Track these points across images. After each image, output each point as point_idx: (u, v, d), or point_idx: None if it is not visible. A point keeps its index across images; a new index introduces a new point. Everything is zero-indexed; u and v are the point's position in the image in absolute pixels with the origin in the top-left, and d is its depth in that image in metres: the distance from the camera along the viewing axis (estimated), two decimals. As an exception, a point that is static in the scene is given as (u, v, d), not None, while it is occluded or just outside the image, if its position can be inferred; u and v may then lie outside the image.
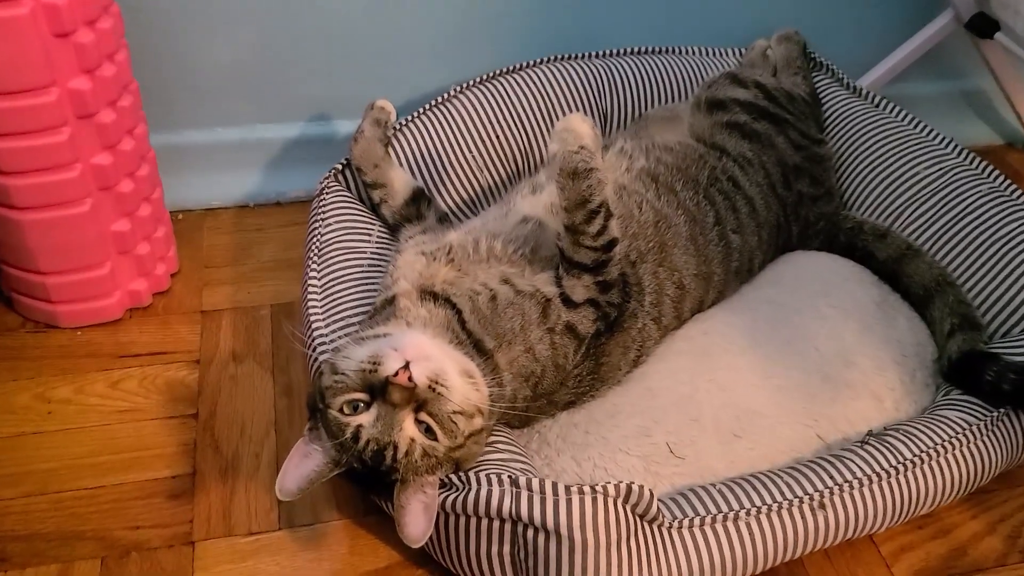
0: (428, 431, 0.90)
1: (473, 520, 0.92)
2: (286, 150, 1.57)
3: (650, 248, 1.13)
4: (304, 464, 0.93)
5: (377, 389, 0.90)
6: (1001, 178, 1.29)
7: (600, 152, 1.02)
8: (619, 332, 1.08)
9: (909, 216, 1.32)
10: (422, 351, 0.92)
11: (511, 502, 0.89)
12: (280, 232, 1.52)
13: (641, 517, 0.91)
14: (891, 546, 1.07)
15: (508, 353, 1.00)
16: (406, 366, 0.89)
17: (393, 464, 0.89)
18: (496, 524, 0.92)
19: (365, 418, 0.90)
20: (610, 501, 0.89)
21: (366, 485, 0.98)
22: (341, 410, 0.91)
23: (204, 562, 1.03)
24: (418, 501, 0.91)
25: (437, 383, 0.90)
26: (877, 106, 1.44)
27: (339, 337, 1.09)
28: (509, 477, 0.90)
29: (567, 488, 0.88)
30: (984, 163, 1.31)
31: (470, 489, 0.91)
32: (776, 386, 1.12)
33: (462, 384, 0.93)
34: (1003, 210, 1.24)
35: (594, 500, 0.88)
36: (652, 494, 0.90)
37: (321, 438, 0.93)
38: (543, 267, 1.07)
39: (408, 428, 0.90)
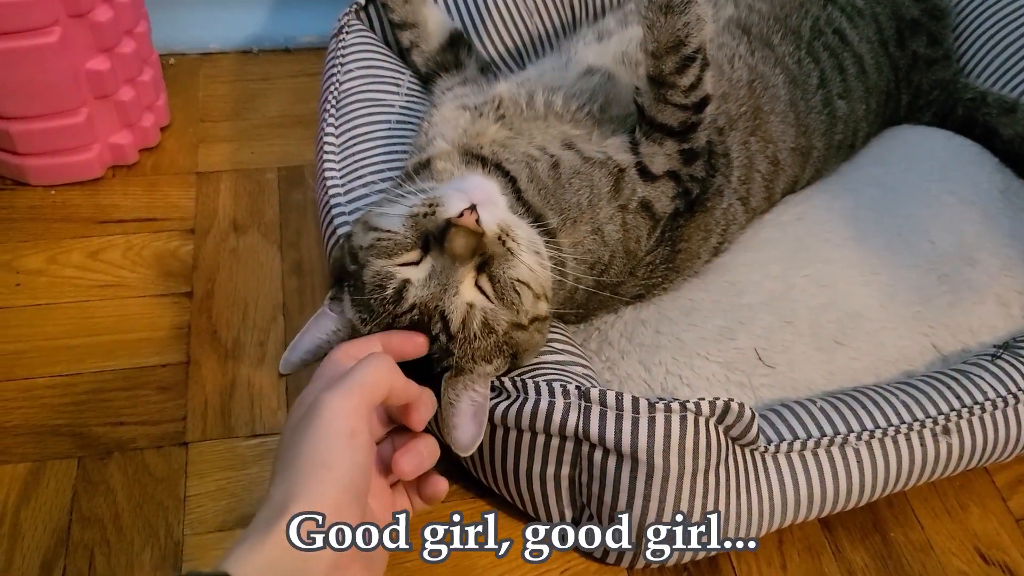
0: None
1: (527, 435, 0.75)
2: (296, -15, 1.33)
3: (742, 113, 0.92)
4: (317, 335, 0.74)
5: (433, 238, 0.70)
6: None
7: None
8: (701, 212, 0.89)
9: (1044, 87, 1.10)
10: (491, 196, 0.72)
11: (578, 417, 0.72)
12: (289, 83, 1.30)
13: (735, 440, 0.74)
14: (1007, 476, 0.91)
15: (573, 234, 0.81)
16: (472, 208, 0.69)
17: (444, 339, 0.70)
18: (556, 442, 0.75)
19: (414, 273, 0.70)
20: (702, 421, 0.71)
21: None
22: (378, 273, 0.70)
23: (199, 467, 0.87)
24: (468, 400, 0.71)
25: (508, 236, 0.71)
26: (1007, -47, 1.20)
27: (361, 204, 0.90)
28: (578, 388, 0.72)
29: (651, 404, 0.71)
30: None
31: (527, 399, 0.74)
32: (884, 285, 0.93)
33: (531, 254, 0.74)
34: None
35: (683, 420, 0.71)
36: (754, 414, 0.73)
37: (344, 310, 0.74)
38: (614, 129, 0.87)
39: (466, 291, 0.70)
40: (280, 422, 0.91)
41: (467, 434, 0.70)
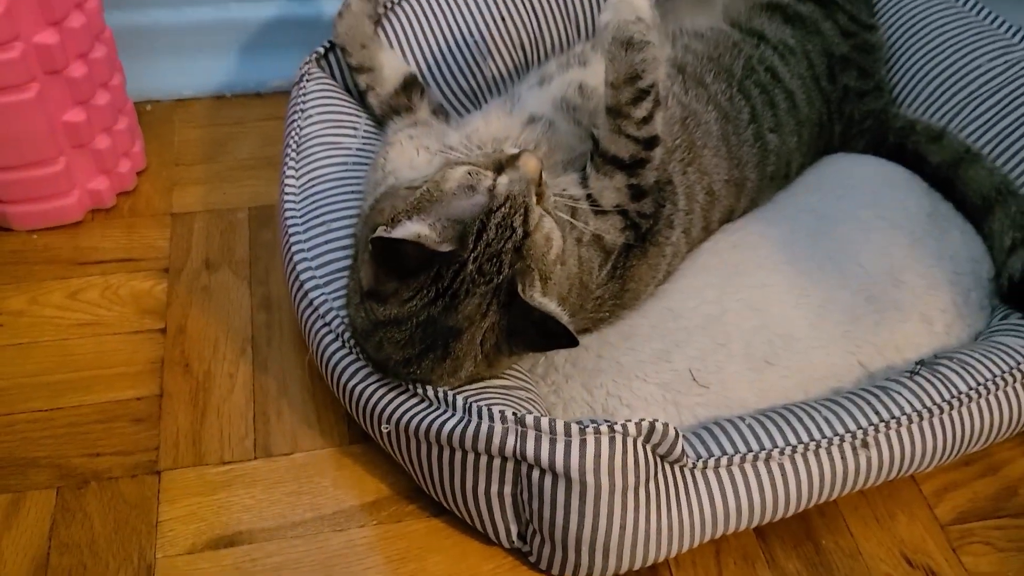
0: None
1: (472, 456, 0.81)
2: (267, 32, 1.40)
3: (677, 147, 0.99)
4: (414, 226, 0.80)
5: (507, 162, 0.82)
6: (1076, 73, 1.13)
7: (657, 31, 0.88)
8: (653, 246, 0.95)
9: (968, 116, 1.16)
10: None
11: (515, 440, 0.78)
12: (260, 126, 1.37)
13: (663, 458, 0.80)
14: (934, 484, 0.97)
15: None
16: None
17: (521, 233, 0.79)
18: (497, 462, 0.80)
19: (500, 179, 0.81)
20: (629, 441, 0.77)
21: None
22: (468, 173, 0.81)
23: (170, 493, 0.92)
24: (548, 301, 0.80)
25: (547, 187, 0.84)
26: (934, -11, 1.27)
27: (319, 243, 0.96)
28: (514, 415, 0.78)
29: (580, 427, 0.77)
30: (1057, 56, 1.15)
31: (470, 420, 0.79)
32: (815, 306, 0.99)
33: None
34: (1078, 110, 1.09)
35: (611, 440, 0.77)
36: (677, 433, 0.79)
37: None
38: (563, 170, 0.93)
39: (535, 202, 0.82)
40: (247, 448, 0.96)
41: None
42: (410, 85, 1.11)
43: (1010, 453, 1.00)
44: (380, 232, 0.76)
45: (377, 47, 1.11)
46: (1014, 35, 1.18)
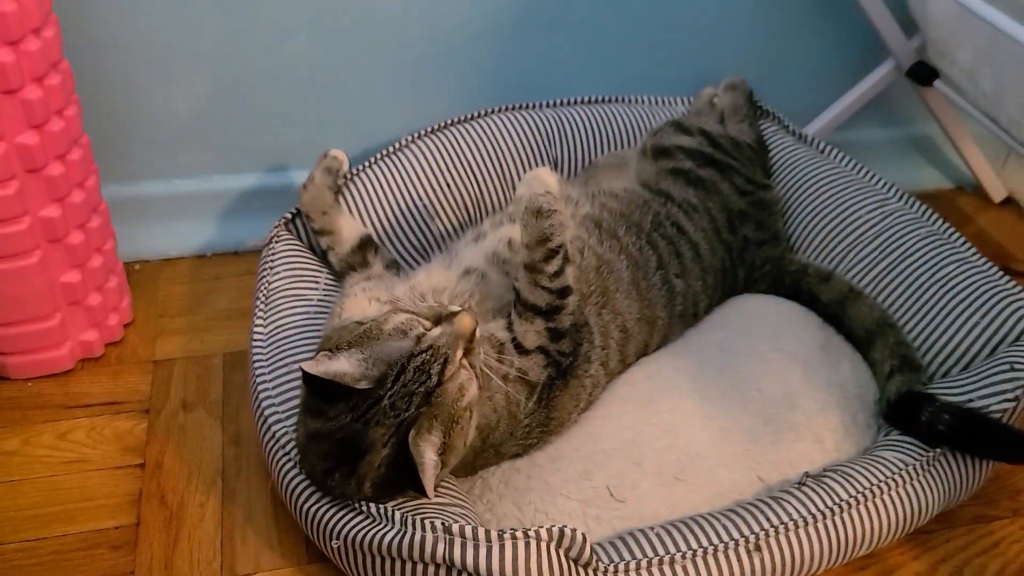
0: None
1: (409, 564, 0.92)
2: (244, 200, 1.58)
3: (592, 291, 1.14)
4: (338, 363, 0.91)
5: (444, 318, 0.94)
6: (940, 221, 1.31)
7: (564, 202, 1.06)
8: (573, 379, 1.09)
9: (852, 259, 1.34)
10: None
11: (444, 548, 0.89)
12: (237, 281, 1.53)
13: (575, 561, 0.92)
14: (834, 586, 1.08)
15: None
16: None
17: (435, 381, 0.90)
18: (432, 569, 0.91)
19: (433, 330, 0.93)
20: (543, 545, 0.89)
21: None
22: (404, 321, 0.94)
23: (143, 613, 1.02)
24: (431, 451, 0.90)
25: (480, 346, 0.97)
26: (822, 152, 1.48)
27: (282, 382, 1.10)
28: (443, 524, 0.90)
29: (499, 534, 0.89)
30: (924, 207, 1.34)
31: (406, 532, 0.91)
32: (719, 429, 1.13)
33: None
34: (941, 253, 1.27)
35: (527, 545, 0.88)
36: (585, 538, 0.90)
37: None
38: (493, 317, 1.09)
39: (459, 356, 0.92)
40: (215, 570, 1.07)
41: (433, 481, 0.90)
42: (365, 244, 1.28)
43: (901, 558, 1.11)
44: (305, 366, 0.90)
45: (337, 213, 1.29)
46: (888, 189, 1.38)
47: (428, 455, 0.90)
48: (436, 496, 0.99)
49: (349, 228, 1.29)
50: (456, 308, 0.96)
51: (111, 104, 1.44)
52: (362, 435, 0.91)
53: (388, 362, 0.91)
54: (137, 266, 1.54)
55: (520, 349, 1.05)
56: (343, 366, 0.90)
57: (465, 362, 0.94)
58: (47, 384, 1.31)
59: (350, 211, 1.35)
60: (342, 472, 0.93)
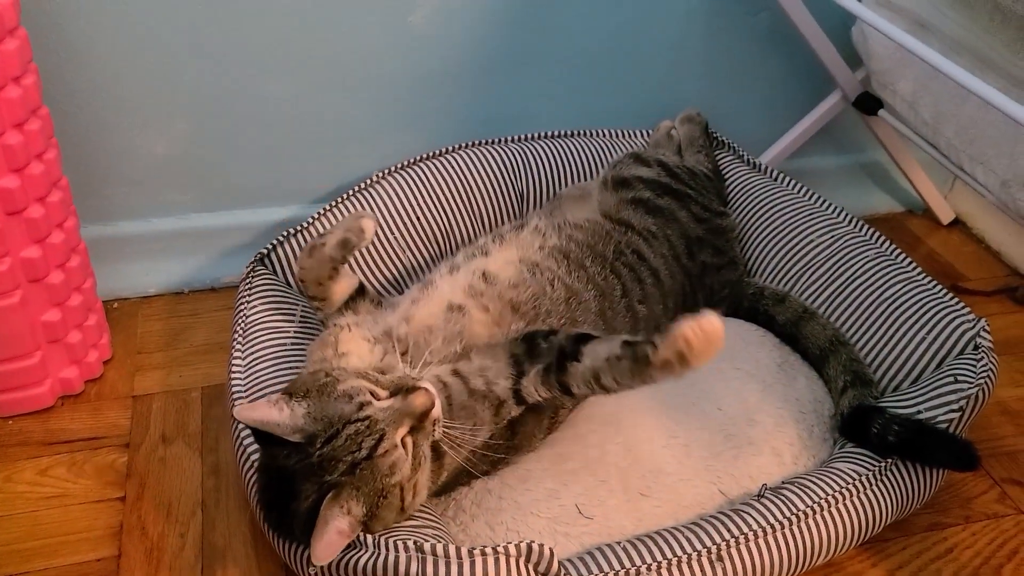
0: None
1: (384, 585, 0.96)
2: (220, 237, 1.62)
3: (562, 324, 1.18)
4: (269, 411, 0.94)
5: (403, 392, 0.96)
6: (888, 243, 1.38)
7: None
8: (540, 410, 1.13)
9: (805, 281, 1.40)
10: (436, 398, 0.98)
11: (417, 566, 0.93)
12: (214, 316, 1.56)
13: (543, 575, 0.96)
14: (796, 596, 1.12)
15: (460, 454, 1.04)
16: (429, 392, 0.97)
17: (365, 454, 0.91)
18: (406, 588, 0.95)
19: (382, 402, 0.94)
20: (512, 561, 0.93)
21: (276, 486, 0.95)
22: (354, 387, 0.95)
23: (125, 642, 1.05)
24: (340, 521, 0.90)
25: (436, 425, 0.97)
26: (775, 180, 1.54)
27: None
28: (415, 543, 0.94)
29: (470, 551, 0.93)
30: (872, 230, 1.41)
31: (379, 554, 0.95)
32: (682, 445, 1.18)
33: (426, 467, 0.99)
34: (889, 273, 1.33)
35: (496, 561, 0.92)
36: (552, 553, 0.94)
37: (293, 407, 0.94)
38: (476, 354, 1.10)
39: (402, 431, 0.94)
40: (195, 599, 1.10)
41: (329, 550, 0.90)
42: (355, 296, 1.21)
43: (860, 566, 1.16)
44: (236, 412, 0.94)
45: (332, 283, 1.19)
46: (838, 214, 1.45)
47: (334, 524, 0.90)
48: (410, 519, 1.03)
49: (341, 292, 1.20)
50: (423, 384, 0.97)
51: (90, 146, 1.48)
52: (292, 481, 0.93)
53: (326, 423, 0.92)
54: (116, 304, 1.58)
55: (520, 401, 1.08)
56: (273, 416, 0.93)
57: (408, 440, 0.95)
58: (28, 421, 1.34)
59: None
60: (278, 511, 0.95)
